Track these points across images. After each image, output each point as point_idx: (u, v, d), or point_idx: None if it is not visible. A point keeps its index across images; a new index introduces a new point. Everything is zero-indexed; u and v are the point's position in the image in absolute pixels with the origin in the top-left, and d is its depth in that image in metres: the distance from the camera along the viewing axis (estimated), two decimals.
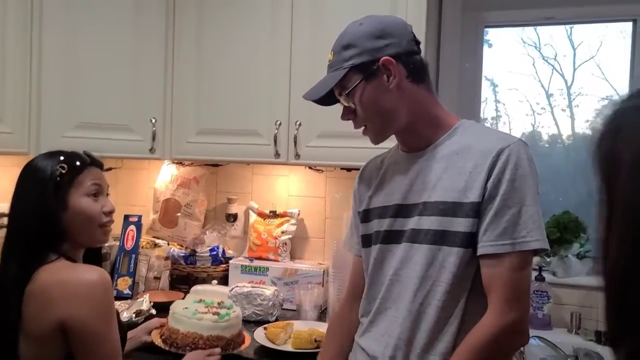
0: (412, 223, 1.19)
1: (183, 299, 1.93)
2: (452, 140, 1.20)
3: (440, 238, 1.14)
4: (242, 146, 2.02)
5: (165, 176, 2.44)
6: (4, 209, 2.07)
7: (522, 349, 1.69)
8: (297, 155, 1.94)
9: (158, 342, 1.52)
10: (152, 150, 2.08)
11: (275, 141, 1.96)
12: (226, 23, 2.04)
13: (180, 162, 2.39)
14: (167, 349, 1.50)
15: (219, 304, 1.60)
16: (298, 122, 1.93)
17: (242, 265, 2.23)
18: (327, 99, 1.23)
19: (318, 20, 1.91)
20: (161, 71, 2.09)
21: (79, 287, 1.14)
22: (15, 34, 1.83)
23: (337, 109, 1.82)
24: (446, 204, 1.14)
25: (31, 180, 1.24)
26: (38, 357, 1.16)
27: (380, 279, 1.24)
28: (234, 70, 2.03)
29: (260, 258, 2.26)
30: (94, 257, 1.38)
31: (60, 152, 1.27)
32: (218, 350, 1.48)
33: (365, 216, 1.31)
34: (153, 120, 2.06)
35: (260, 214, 2.33)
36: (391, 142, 1.32)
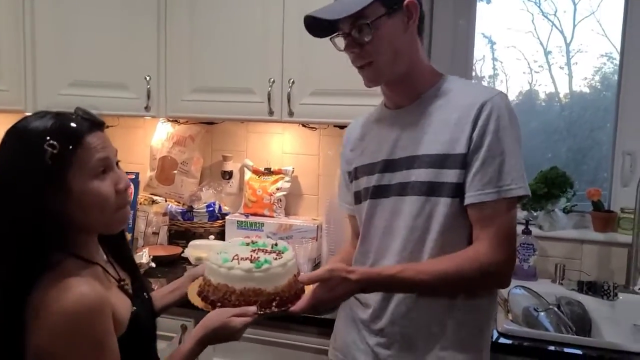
0: (400, 177, 1.23)
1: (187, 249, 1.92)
2: (436, 95, 1.24)
3: (428, 189, 1.19)
4: (236, 104, 2.04)
5: (161, 134, 2.47)
6: None
7: (506, 296, 1.78)
8: (291, 113, 1.97)
9: (192, 295, 1.22)
10: (147, 108, 2.10)
11: (268, 99, 1.98)
12: None
13: (175, 120, 2.42)
14: (196, 304, 1.19)
15: (272, 246, 1.27)
16: (291, 80, 1.95)
17: (238, 221, 2.29)
18: (326, 28, 1.20)
19: None
20: (154, 28, 2.08)
21: (56, 314, 0.88)
22: None
23: (331, 66, 1.86)
24: (432, 157, 1.19)
25: (16, 165, 0.92)
26: None
27: (372, 232, 1.29)
28: (227, 27, 2.03)
29: (255, 214, 2.32)
30: (117, 244, 1.12)
31: (48, 117, 0.95)
32: (253, 309, 1.10)
33: (355, 174, 1.35)
34: (148, 78, 2.08)
35: (255, 171, 2.38)
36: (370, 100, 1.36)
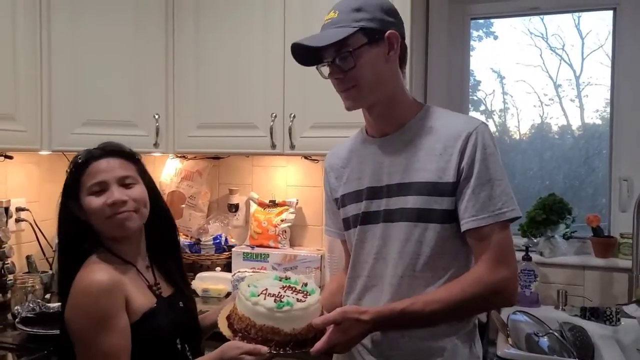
0: (388, 203, 1.28)
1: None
2: (419, 125, 1.30)
3: (417, 215, 1.24)
4: (241, 138, 2.13)
5: (169, 170, 2.55)
6: (21, 203, 2.23)
7: (506, 321, 1.79)
8: (292, 146, 2.05)
9: (221, 318, 1.28)
10: (156, 144, 2.19)
11: (271, 133, 2.06)
12: (222, 23, 2.15)
13: (183, 156, 2.51)
14: (220, 328, 1.25)
15: (303, 285, 1.29)
16: (292, 115, 2.04)
17: (244, 253, 2.34)
18: (311, 57, 1.27)
19: (309, 17, 2.01)
20: (162, 70, 2.20)
21: (75, 288, 1.16)
22: (24, 40, 1.94)
23: (330, 101, 1.94)
24: (421, 184, 1.24)
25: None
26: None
27: (362, 258, 1.33)
28: (231, 66, 2.14)
29: (261, 245, 2.37)
30: (166, 263, 1.35)
31: (83, 151, 1.27)
32: (265, 349, 1.15)
33: (342, 201, 1.39)
34: (156, 116, 2.18)
35: (261, 204, 2.44)
36: (347, 131, 1.44)
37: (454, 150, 1.22)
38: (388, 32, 1.24)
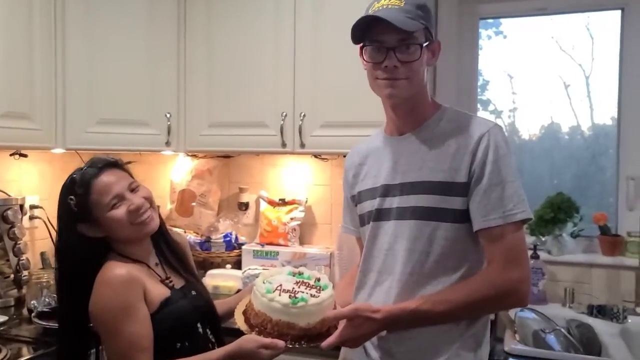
0: (400, 201, 1.30)
1: None
2: (436, 124, 1.32)
3: (429, 214, 1.26)
4: (251, 137, 2.16)
5: (180, 168, 2.59)
6: (35, 201, 2.27)
7: (513, 317, 1.81)
8: (302, 145, 2.08)
9: (238, 313, 1.32)
10: (167, 143, 2.22)
11: (281, 132, 2.09)
12: (233, 23, 2.18)
13: (194, 154, 2.54)
14: (238, 323, 1.29)
15: (316, 280, 1.31)
16: (302, 114, 2.06)
17: (254, 250, 2.37)
18: (362, 35, 1.25)
19: (319, 17, 2.04)
20: (174, 70, 2.24)
21: (98, 283, 1.23)
22: (41, 41, 1.98)
23: (339, 100, 1.98)
24: (433, 184, 1.26)
25: (59, 218, 1.31)
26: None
27: (374, 253, 1.35)
28: (242, 66, 2.17)
29: (271, 243, 2.40)
30: (162, 240, 1.41)
31: (70, 176, 1.30)
32: (281, 344, 1.19)
33: (359, 198, 1.42)
34: (168, 115, 2.21)
35: (270, 202, 2.47)
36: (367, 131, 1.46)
37: (467, 151, 1.24)
38: (437, 41, 1.29)
